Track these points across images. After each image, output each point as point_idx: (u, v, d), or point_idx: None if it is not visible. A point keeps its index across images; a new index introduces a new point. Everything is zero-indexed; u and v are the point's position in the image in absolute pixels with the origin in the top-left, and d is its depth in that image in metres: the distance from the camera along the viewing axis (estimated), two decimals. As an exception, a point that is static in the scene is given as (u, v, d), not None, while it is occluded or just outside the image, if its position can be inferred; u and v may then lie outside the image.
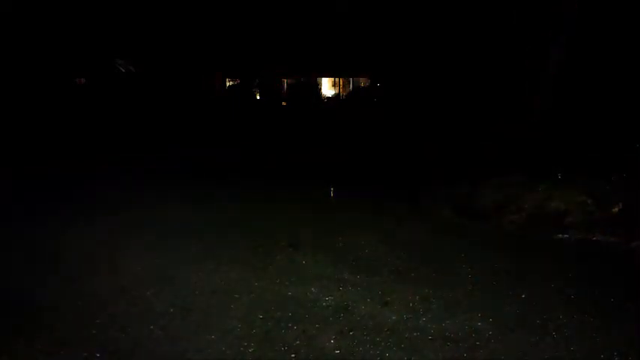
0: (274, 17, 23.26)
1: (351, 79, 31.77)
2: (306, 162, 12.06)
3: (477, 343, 3.62)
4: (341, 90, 32.13)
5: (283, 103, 28.46)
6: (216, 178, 10.04)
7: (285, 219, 7.01)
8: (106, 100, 20.31)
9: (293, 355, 3.48)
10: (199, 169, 10.96)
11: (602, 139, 8.41)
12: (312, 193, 8.80)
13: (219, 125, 19.04)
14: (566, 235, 6.15)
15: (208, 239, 5.97)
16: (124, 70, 23.01)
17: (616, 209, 6.46)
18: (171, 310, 4.10)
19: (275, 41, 24.49)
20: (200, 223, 6.67)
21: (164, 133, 16.30)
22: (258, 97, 28.69)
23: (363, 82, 31.12)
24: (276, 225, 6.69)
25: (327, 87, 32.31)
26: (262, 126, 19.75)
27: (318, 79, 30.75)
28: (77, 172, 10.48)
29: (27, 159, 11.52)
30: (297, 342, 3.64)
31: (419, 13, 17.01)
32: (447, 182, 8.65)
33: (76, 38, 19.75)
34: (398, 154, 12.49)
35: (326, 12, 23.31)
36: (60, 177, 9.85)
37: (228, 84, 29.47)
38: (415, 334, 3.75)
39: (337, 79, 32.27)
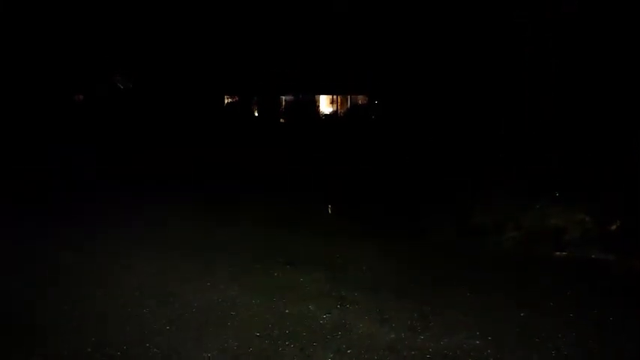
0: (272, 35, 23.46)
1: (348, 96, 31.93)
2: (304, 180, 12.04)
3: (476, 361, 3.60)
4: (339, 107, 32.26)
5: (281, 120, 28.54)
6: (219, 199, 10.07)
7: (284, 235, 7.00)
8: (103, 117, 20.41)
9: (290, 374, 3.44)
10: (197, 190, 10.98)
11: (600, 154, 8.45)
12: (310, 210, 8.79)
13: (217, 143, 19.07)
14: (564, 253, 6.13)
15: (207, 255, 5.97)
16: (122, 87, 23.14)
17: (614, 227, 6.45)
18: (168, 327, 4.07)
19: (273, 59, 24.68)
20: (198, 239, 6.69)
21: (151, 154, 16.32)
22: (256, 114, 28.79)
23: (361, 99, 31.27)
24: (275, 241, 6.68)
25: (325, 104, 32.44)
26: (260, 143, 19.77)
27: (316, 96, 30.91)
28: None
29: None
30: (295, 360, 3.61)
31: (416, 32, 17.15)
32: (446, 200, 8.65)
33: (75, 55, 19.90)
34: (396, 171, 12.49)
35: (324, 30, 23.52)
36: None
37: (226, 101, 29.59)
38: (413, 352, 3.71)
39: (335, 97, 32.43)
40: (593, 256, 5.94)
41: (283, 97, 30.04)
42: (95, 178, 11.68)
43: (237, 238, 6.79)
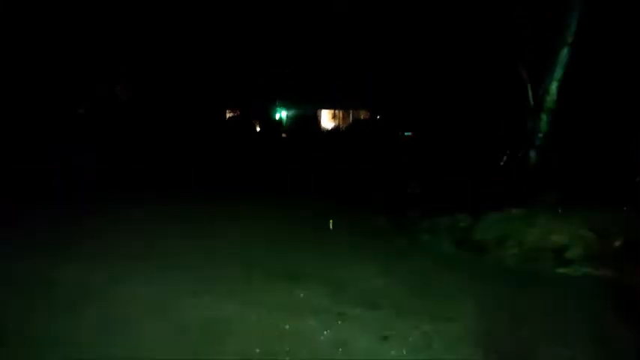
0: (276, 50, 23.62)
1: (350, 111, 32.05)
2: (301, 194, 12.02)
3: (478, 380, 3.55)
4: (341, 122, 32.38)
5: (283, 135, 28.62)
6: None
7: (284, 247, 6.97)
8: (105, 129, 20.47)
9: (290, 391, 3.40)
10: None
11: (601, 169, 8.44)
12: (310, 225, 8.75)
13: (218, 152, 19.09)
14: (567, 270, 6.09)
15: (206, 267, 5.93)
16: (124, 99, 23.24)
17: (617, 243, 6.42)
18: (166, 342, 4.03)
19: (276, 73, 24.83)
20: (198, 250, 6.65)
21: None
22: (258, 129, 28.87)
23: (362, 114, 31.39)
24: (274, 253, 6.65)
25: (327, 119, 32.57)
26: (262, 158, 19.85)
27: (318, 111, 31.04)
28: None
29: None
30: (294, 377, 3.56)
31: (415, 35, 17.25)
32: (447, 214, 8.63)
33: (78, 67, 20.05)
34: (397, 186, 12.48)
35: (327, 46, 23.69)
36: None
37: (228, 115, 29.68)
38: (415, 370, 3.68)
39: (337, 112, 32.55)
40: (595, 273, 5.90)
41: (285, 112, 30.18)
42: (95, 184, 11.71)
43: (237, 250, 6.75)
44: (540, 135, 9.35)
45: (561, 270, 6.11)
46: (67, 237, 7.10)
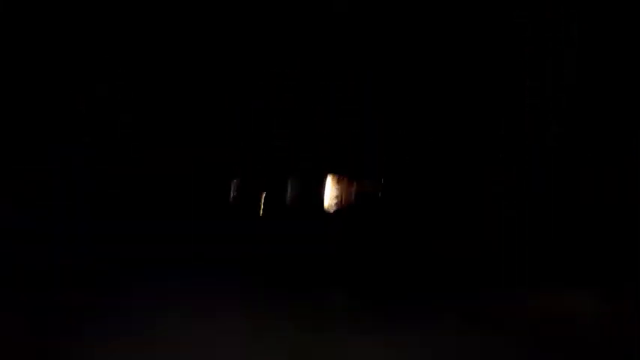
0: (275, 113, 24.25)
1: (354, 182, 32.51)
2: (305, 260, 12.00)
3: None
4: (344, 196, 32.73)
5: (287, 204, 28.86)
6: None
7: (286, 324, 6.82)
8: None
9: None
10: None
11: (607, 231, 8.54)
12: (311, 300, 8.68)
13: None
14: (577, 343, 6.05)
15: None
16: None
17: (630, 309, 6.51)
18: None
19: (278, 136, 25.37)
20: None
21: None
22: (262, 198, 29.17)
23: (366, 185, 31.80)
24: (277, 333, 6.52)
25: (330, 186, 32.97)
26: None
27: (321, 181, 31.46)
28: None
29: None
30: None
31: (418, 113, 17.67)
32: (450, 287, 8.66)
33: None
34: (401, 256, 12.47)
35: (325, 107, 24.30)
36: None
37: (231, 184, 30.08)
38: None
39: (339, 185, 33.02)
40: (609, 346, 5.85)
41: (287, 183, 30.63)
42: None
43: (235, 331, 6.62)
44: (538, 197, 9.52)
45: (572, 343, 6.07)
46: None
